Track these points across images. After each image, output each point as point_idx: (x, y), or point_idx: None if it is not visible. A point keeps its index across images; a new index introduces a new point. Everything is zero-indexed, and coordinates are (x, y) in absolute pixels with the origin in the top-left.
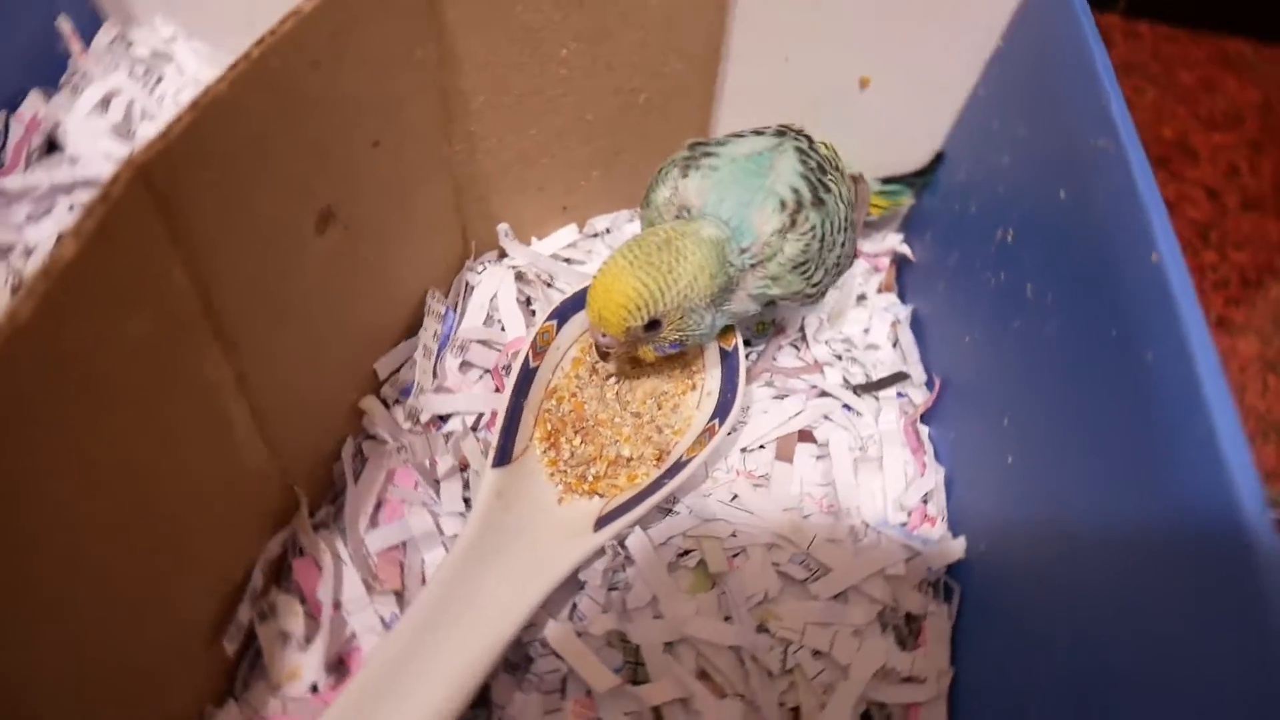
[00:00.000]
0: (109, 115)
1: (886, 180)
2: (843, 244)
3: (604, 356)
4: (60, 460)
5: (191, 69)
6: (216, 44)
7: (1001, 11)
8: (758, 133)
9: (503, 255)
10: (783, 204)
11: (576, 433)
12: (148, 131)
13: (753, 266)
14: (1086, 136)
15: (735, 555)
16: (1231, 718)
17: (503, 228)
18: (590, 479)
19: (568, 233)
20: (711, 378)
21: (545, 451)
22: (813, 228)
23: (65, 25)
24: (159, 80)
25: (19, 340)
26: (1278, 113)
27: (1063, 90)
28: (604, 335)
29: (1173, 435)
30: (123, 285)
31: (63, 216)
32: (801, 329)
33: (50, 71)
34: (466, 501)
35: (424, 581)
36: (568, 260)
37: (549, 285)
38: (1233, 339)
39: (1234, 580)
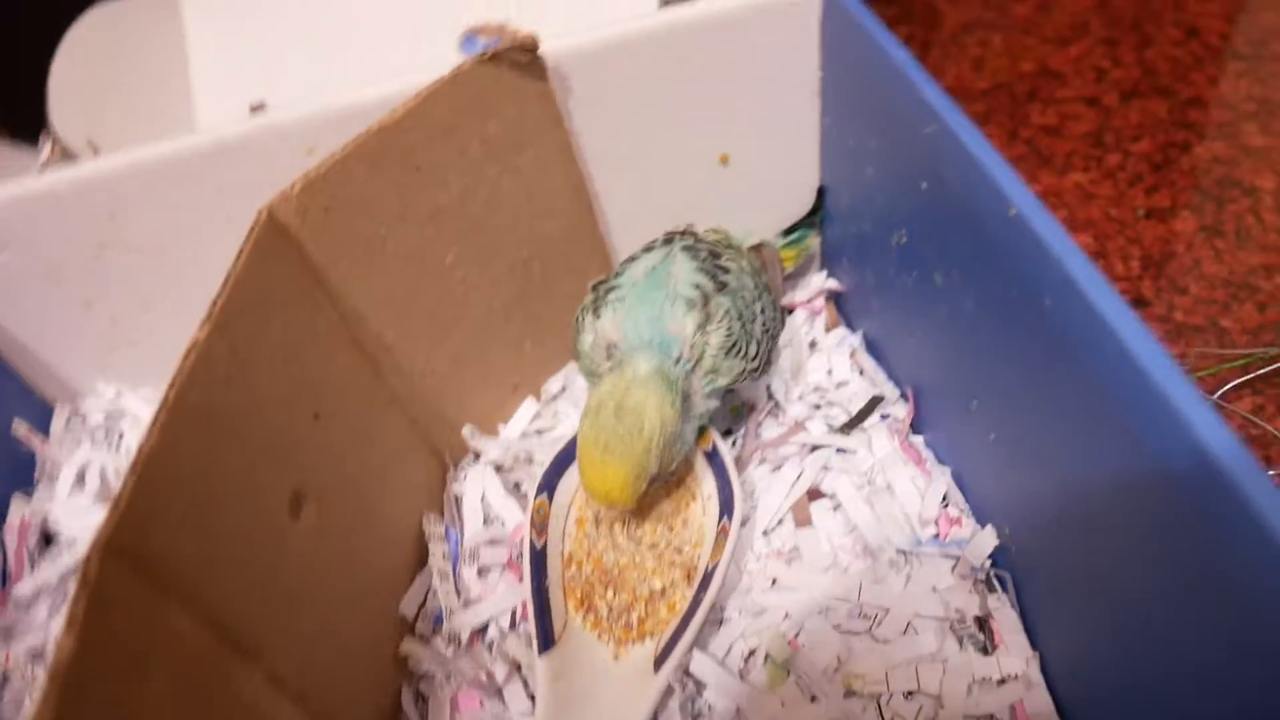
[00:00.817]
0: (87, 488)
1: (788, 231)
2: (763, 310)
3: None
4: None
5: (146, 415)
6: (160, 385)
7: (809, 46)
8: (647, 249)
9: (478, 455)
10: (690, 303)
11: (607, 587)
12: None
13: (691, 371)
14: (917, 127)
15: (797, 635)
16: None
17: (467, 430)
18: (636, 624)
19: (528, 408)
20: (706, 481)
21: (585, 617)
22: (726, 311)
23: (21, 428)
24: (120, 437)
25: None
26: (1113, 5)
27: (885, 94)
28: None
29: (1095, 364)
30: (130, 655)
31: None
32: (771, 396)
33: (23, 474)
34: (531, 698)
35: None
36: (538, 432)
37: (530, 462)
38: (1167, 223)
39: (1186, 479)
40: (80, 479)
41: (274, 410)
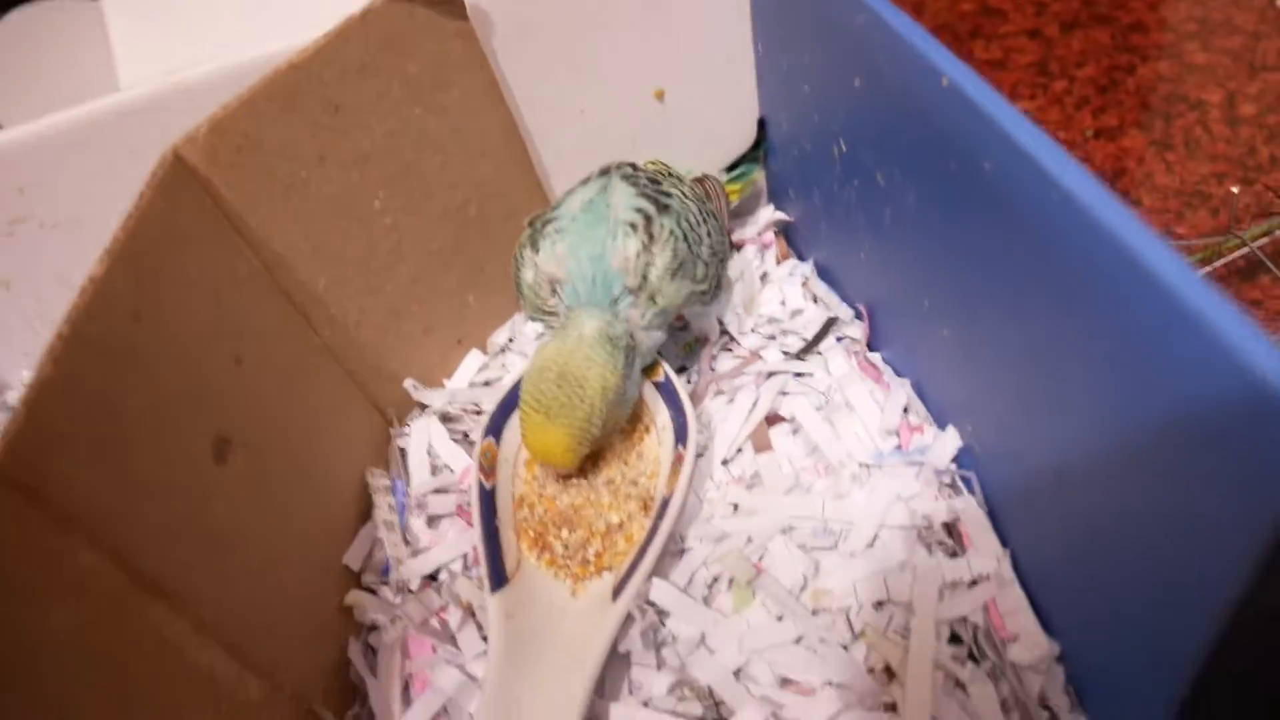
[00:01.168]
0: None
1: (731, 167)
2: (709, 234)
3: None
4: None
5: None
6: None
7: None
8: (584, 182)
9: (424, 408)
10: (633, 226)
11: (561, 526)
12: None
13: (634, 303)
14: (846, 23)
15: (760, 558)
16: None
17: (409, 383)
18: (594, 559)
19: (473, 360)
20: (660, 413)
21: (541, 556)
22: (670, 231)
23: None
24: None
25: None
26: None
27: (812, 4)
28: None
29: (1042, 221)
30: (27, 585)
31: None
32: (725, 330)
33: None
34: (485, 640)
35: None
36: (485, 383)
37: (478, 412)
38: (1116, 142)
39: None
40: None
41: (190, 351)
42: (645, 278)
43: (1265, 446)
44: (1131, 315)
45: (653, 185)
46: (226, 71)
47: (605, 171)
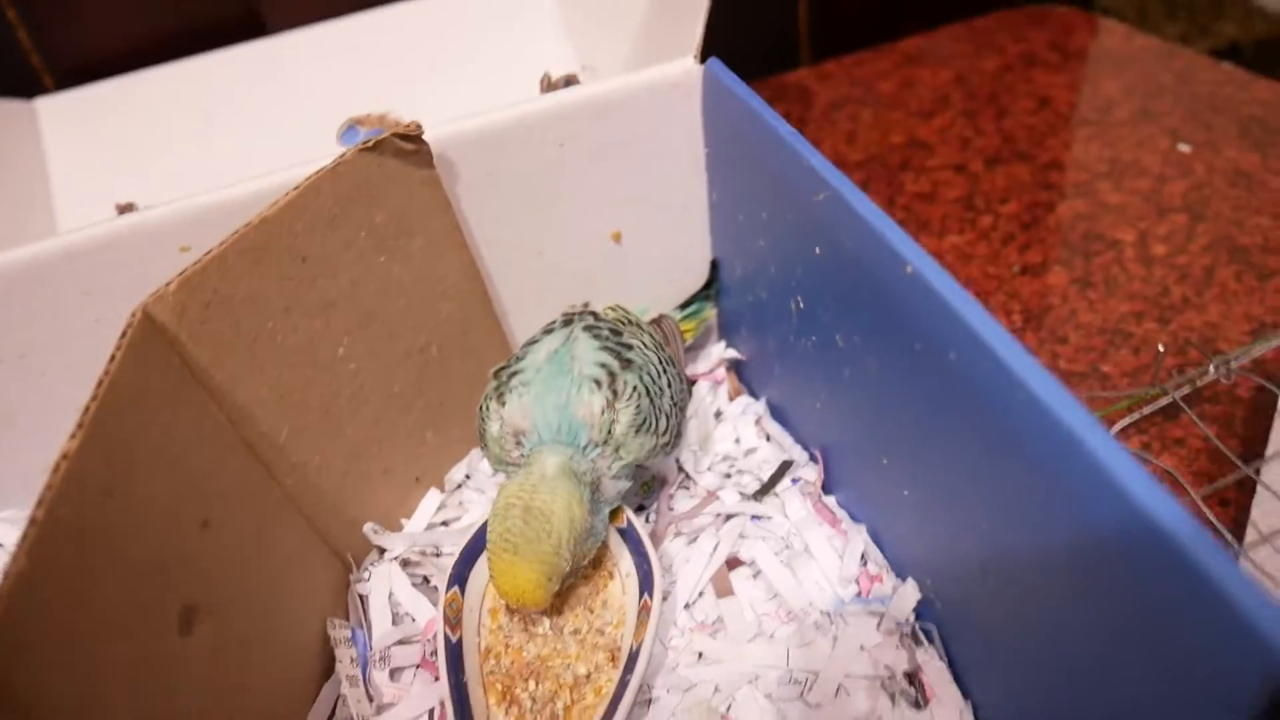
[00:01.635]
0: None
1: (684, 305)
2: (669, 384)
3: None
4: None
5: (12, 539)
6: (25, 506)
7: (692, 124)
8: (548, 330)
9: (383, 552)
10: (597, 383)
11: (528, 679)
12: None
13: (600, 455)
14: (806, 196)
15: (728, 709)
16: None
17: (369, 528)
18: (563, 712)
19: (432, 499)
20: (623, 559)
21: (509, 710)
22: (634, 388)
23: None
24: None
25: None
26: (970, 80)
27: (771, 166)
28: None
29: (1004, 412)
30: None
31: None
32: (681, 469)
33: None
34: None
35: None
36: (444, 524)
37: (438, 555)
38: (1042, 278)
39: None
40: None
41: (158, 522)
42: (610, 433)
43: (1209, 625)
44: (1091, 511)
45: (615, 337)
46: (183, 212)
47: (569, 321)
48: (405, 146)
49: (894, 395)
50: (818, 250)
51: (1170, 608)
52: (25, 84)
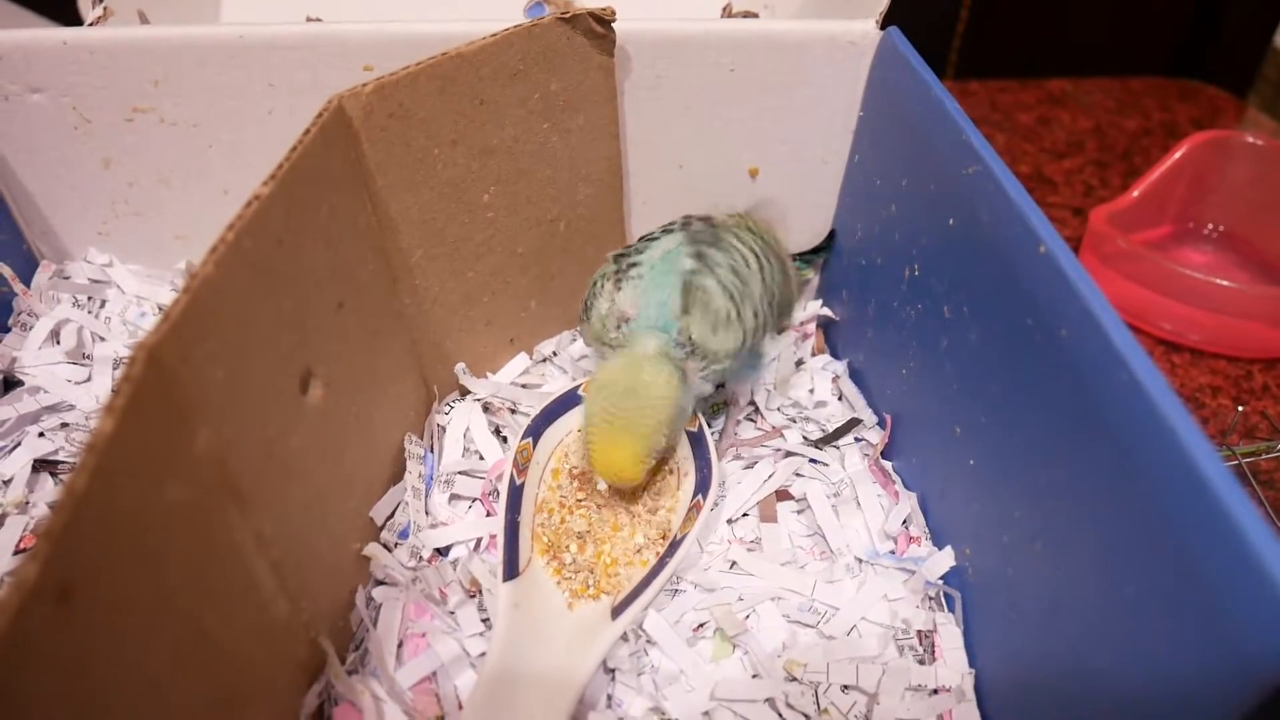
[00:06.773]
0: (61, 344)
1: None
2: (764, 277)
3: None
4: (124, 623)
5: (132, 288)
6: (151, 263)
7: (855, 86)
8: (667, 230)
9: (465, 393)
10: (686, 288)
11: (573, 540)
12: (104, 353)
13: (689, 358)
14: (957, 168)
15: (747, 616)
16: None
17: (460, 367)
18: (594, 585)
19: (519, 362)
20: (686, 460)
21: (549, 563)
22: (704, 291)
23: (4, 270)
24: (103, 304)
25: (79, 508)
26: (1108, 134)
27: (927, 136)
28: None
29: (1100, 391)
30: (156, 456)
31: (34, 444)
32: (753, 403)
33: None
34: (484, 622)
35: (459, 706)
36: (524, 386)
37: (514, 411)
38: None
39: (1177, 509)
40: (54, 336)
41: (309, 286)
42: (690, 338)
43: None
44: (1166, 493)
45: (713, 245)
46: (377, 35)
47: (686, 224)
48: (596, 28)
49: (988, 365)
50: (951, 221)
51: (1223, 589)
52: None
